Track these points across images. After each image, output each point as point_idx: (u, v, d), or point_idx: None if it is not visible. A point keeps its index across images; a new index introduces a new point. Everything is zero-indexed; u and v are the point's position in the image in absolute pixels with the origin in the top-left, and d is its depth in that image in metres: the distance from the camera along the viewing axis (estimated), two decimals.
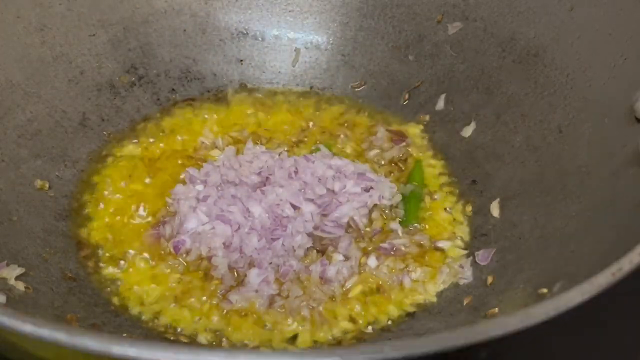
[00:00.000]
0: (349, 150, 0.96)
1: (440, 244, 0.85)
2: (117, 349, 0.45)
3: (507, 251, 0.81)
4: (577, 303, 0.52)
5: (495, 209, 0.87)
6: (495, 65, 0.95)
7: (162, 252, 0.83)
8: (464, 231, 0.87)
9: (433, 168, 0.94)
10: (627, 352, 0.77)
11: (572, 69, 0.87)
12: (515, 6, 0.94)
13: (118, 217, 0.87)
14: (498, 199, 0.87)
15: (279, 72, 1.06)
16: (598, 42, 0.84)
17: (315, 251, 0.83)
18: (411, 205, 0.89)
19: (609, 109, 0.80)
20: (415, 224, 0.87)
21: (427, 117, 0.99)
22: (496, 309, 0.74)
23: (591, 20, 0.86)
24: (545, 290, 0.69)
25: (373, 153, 0.95)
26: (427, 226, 0.87)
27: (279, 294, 0.79)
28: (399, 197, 0.89)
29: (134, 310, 0.78)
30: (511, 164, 0.89)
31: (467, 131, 0.95)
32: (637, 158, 0.73)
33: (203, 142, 0.95)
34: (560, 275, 0.70)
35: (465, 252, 0.84)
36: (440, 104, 0.98)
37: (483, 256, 0.83)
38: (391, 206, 0.88)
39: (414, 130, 0.98)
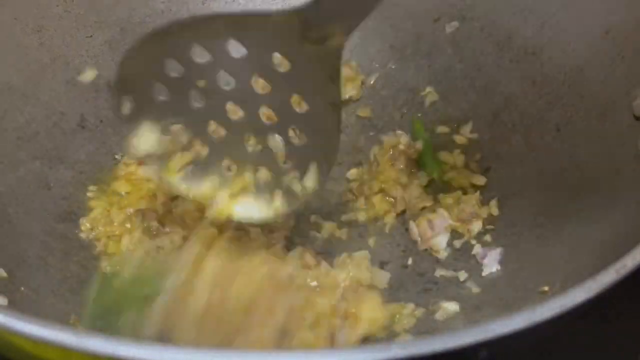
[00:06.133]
0: None
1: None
2: (123, 350, 0.45)
3: (507, 250, 0.81)
4: (581, 301, 0.52)
5: (494, 208, 0.87)
6: (493, 64, 0.95)
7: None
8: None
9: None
10: (627, 352, 0.77)
11: (570, 67, 0.87)
12: (512, 5, 0.94)
13: (117, 218, 0.86)
14: (497, 198, 0.87)
15: None
16: (595, 41, 0.85)
17: None
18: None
19: (607, 107, 0.81)
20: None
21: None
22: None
23: (588, 19, 0.86)
24: (546, 289, 0.70)
25: None
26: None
27: None
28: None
29: None
30: (509, 163, 0.89)
31: (465, 130, 0.95)
32: (636, 157, 0.73)
33: None
34: (561, 274, 0.70)
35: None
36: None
37: (482, 255, 0.83)
38: None
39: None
